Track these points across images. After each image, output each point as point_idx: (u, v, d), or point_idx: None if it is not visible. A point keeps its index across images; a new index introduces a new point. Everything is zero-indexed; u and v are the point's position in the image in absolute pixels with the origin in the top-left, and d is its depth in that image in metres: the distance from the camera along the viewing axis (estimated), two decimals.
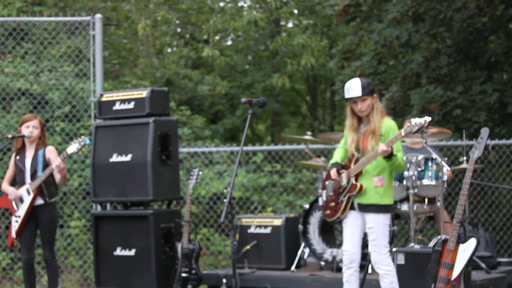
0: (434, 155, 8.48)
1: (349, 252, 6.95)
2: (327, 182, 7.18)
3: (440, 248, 6.76)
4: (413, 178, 8.51)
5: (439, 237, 8.11)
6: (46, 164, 8.32)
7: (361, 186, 6.86)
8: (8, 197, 8.44)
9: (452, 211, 9.25)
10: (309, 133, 9.76)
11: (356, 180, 6.89)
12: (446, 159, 8.66)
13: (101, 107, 9.54)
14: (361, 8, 14.02)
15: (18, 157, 8.49)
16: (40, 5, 15.08)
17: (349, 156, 7.01)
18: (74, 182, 11.43)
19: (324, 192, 7.21)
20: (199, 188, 12.19)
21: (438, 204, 8.68)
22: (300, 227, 9.26)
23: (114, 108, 9.43)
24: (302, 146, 11.29)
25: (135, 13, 16.96)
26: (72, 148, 8.24)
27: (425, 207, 8.69)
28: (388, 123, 6.94)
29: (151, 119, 9.07)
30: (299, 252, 9.30)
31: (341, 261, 8.63)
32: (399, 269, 7.44)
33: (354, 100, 6.89)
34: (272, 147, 12.22)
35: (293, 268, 9.20)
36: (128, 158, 9.18)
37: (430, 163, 8.55)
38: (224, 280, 8.86)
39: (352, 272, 6.96)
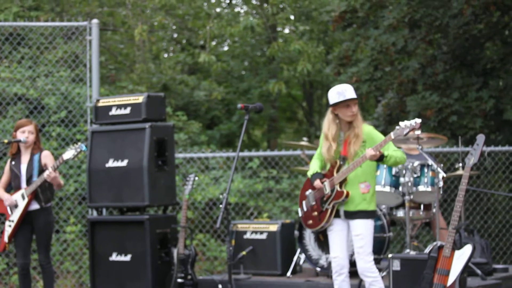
0: (430, 162, 8.49)
1: (338, 258, 6.95)
2: (307, 193, 7.16)
3: (435, 255, 6.76)
4: (409, 184, 8.51)
5: (434, 243, 8.12)
6: (42, 169, 8.31)
7: (347, 193, 6.85)
8: (3, 203, 8.43)
9: (447, 217, 9.26)
10: (305, 139, 9.79)
11: (341, 187, 6.88)
12: (441, 165, 8.66)
13: (98, 112, 9.54)
14: (358, 15, 14.05)
15: (13, 162, 8.49)
16: (37, 10, 15.08)
17: (331, 163, 6.97)
18: (70, 187, 11.43)
19: (304, 203, 7.20)
20: (195, 194, 12.19)
21: (434, 210, 8.68)
22: (296, 233, 9.25)
23: (111, 113, 9.43)
24: (298, 152, 11.29)
25: (131, 19, 16.95)
26: (68, 154, 8.24)
27: (421, 213, 8.69)
28: (367, 129, 6.94)
29: (147, 125, 9.08)
30: (295, 258, 9.29)
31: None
32: (395, 275, 7.45)
33: (347, 103, 6.86)
34: (268, 153, 12.24)
35: (288, 274, 9.19)
36: (124, 163, 9.18)
37: (426, 170, 8.55)
38: (220, 286, 8.85)
39: (343, 278, 6.97)
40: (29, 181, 8.34)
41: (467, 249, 6.68)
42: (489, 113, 12.46)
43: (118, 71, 18.11)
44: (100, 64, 11.03)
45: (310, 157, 11.26)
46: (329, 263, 8.84)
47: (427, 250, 8.06)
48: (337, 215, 6.93)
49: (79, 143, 8.32)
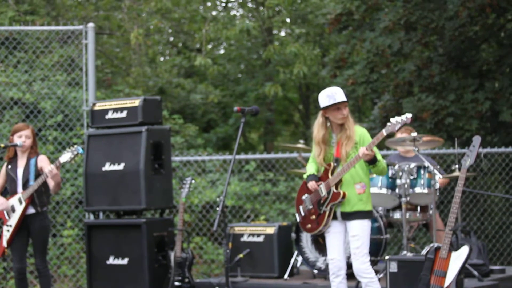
0: (427, 163, 8.50)
1: (336, 260, 6.94)
2: (303, 197, 7.15)
3: (432, 256, 6.77)
4: (406, 186, 8.52)
5: (431, 245, 8.12)
6: (38, 173, 8.30)
7: (344, 194, 6.85)
8: None
9: (444, 219, 9.26)
10: (301, 141, 9.79)
11: (337, 188, 6.89)
12: (439, 166, 8.68)
13: (94, 116, 9.54)
14: (353, 17, 14.08)
15: (10, 166, 8.47)
16: (33, 14, 15.08)
17: (325, 166, 6.98)
18: (67, 191, 11.42)
19: (301, 208, 7.19)
20: (192, 197, 12.19)
21: (431, 212, 8.69)
22: (293, 235, 9.25)
23: (107, 117, 9.43)
24: (294, 155, 11.30)
25: (127, 22, 16.96)
26: (65, 157, 8.23)
27: (418, 215, 8.70)
28: (360, 131, 6.95)
29: (144, 128, 9.08)
30: (292, 260, 9.30)
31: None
32: (392, 277, 7.46)
33: (338, 106, 6.86)
34: (265, 155, 12.23)
35: (286, 276, 9.19)
36: (120, 167, 9.18)
37: (422, 171, 8.57)
38: None
39: (341, 280, 6.96)
40: (25, 185, 8.33)
41: (464, 251, 6.69)
42: (485, 114, 12.49)
43: (114, 75, 18.13)
44: (96, 68, 11.02)
45: (307, 159, 11.29)
46: (327, 265, 8.85)
47: (424, 252, 8.07)
48: (334, 217, 6.93)
49: (75, 146, 8.31)
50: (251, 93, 19.46)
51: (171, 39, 21.20)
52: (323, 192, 6.92)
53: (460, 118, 12.39)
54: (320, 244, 9.10)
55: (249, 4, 20.42)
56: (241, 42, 19.83)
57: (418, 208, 8.72)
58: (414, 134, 8.60)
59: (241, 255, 9.26)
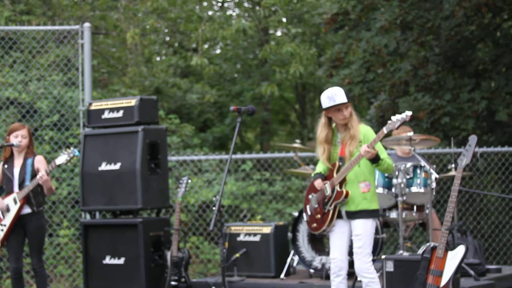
0: (423, 163, 8.51)
1: (337, 260, 6.94)
2: (310, 196, 7.15)
3: (429, 256, 6.77)
4: (402, 185, 8.52)
5: (428, 244, 8.13)
6: (35, 174, 8.30)
7: (347, 192, 6.84)
8: None
9: (440, 218, 9.26)
10: (298, 141, 9.79)
11: (341, 187, 6.88)
12: (434, 166, 8.68)
13: (90, 116, 9.53)
14: (350, 17, 14.07)
15: (6, 166, 8.47)
16: (29, 14, 15.07)
17: (331, 165, 6.99)
18: (63, 191, 11.42)
19: (308, 207, 7.19)
20: (188, 197, 12.19)
21: (427, 211, 8.70)
22: (289, 235, 9.26)
23: (103, 116, 9.43)
24: (291, 154, 11.30)
25: (123, 22, 16.95)
26: (61, 159, 8.24)
27: (414, 214, 8.70)
28: (364, 129, 6.94)
29: (140, 128, 9.07)
30: (289, 260, 9.30)
31: (330, 268, 8.67)
32: (388, 276, 7.46)
33: (338, 107, 6.87)
34: (261, 155, 12.23)
35: (282, 276, 9.20)
36: (117, 166, 9.17)
37: (418, 171, 8.57)
38: None
39: (341, 280, 6.96)
40: (21, 185, 8.33)
41: (460, 250, 6.69)
42: (481, 114, 12.50)
43: (111, 75, 18.11)
44: (92, 67, 11.03)
45: (303, 159, 11.32)
46: (323, 265, 8.86)
47: (420, 251, 8.08)
48: (340, 216, 6.93)
49: (72, 148, 8.32)
50: (248, 93, 19.46)
51: (167, 39, 21.19)
52: (328, 191, 6.92)
53: (456, 117, 12.40)
54: (316, 244, 9.11)
55: (245, 4, 20.42)
56: (237, 42, 19.82)
57: (415, 208, 8.72)
58: (411, 133, 8.61)
59: (237, 255, 9.26)
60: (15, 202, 8.26)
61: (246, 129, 22.12)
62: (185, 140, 15.22)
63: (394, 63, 13.66)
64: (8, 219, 8.31)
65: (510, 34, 13.42)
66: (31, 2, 15.78)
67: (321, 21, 16.08)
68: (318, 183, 7.00)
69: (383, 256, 7.72)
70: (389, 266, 7.58)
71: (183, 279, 9.02)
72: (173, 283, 8.99)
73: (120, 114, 9.31)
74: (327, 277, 8.59)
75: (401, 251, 8.40)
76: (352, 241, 6.93)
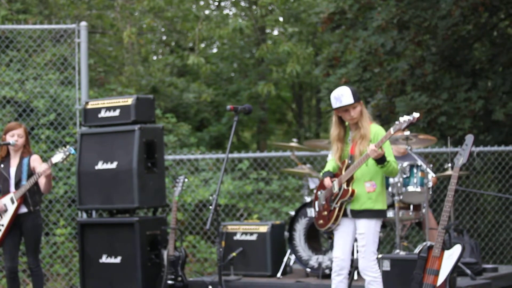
0: (419, 162, 8.51)
1: (339, 259, 6.93)
2: (318, 193, 7.16)
3: (425, 255, 6.77)
4: (398, 185, 8.53)
5: (424, 243, 8.13)
6: (31, 173, 8.29)
7: (353, 191, 6.83)
8: None
9: (437, 217, 9.27)
10: (295, 140, 9.77)
11: (348, 185, 6.88)
12: (431, 165, 8.68)
13: (87, 115, 9.53)
14: (346, 16, 14.07)
15: (2, 165, 8.46)
16: (25, 13, 15.05)
17: (341, 163, 7.00)
18: (60, 190, 11.41)
19: (316, 203, 7.19)
20: (185, 196, 12.19)
21: (423, 210, 8.70)
22: (286, 234, 9.26)
23: (100, 115, 9.42)
24: (288, 153, 11.30)
25: (120, 21, 16.95)
26: (57, 157, 8.22)
27: (411, 213, 8.70)
28: (375, 129, 6.94)
29: (137, 127, 9.07)
30: (285, 259, 9.29)
31: (327, 267, 8.67)
32: (385, 275, 7.45)
33: (345, 108, 6.87)
34: (258, 154, 12.23)
35: (279, 275, 9.19)
36: (113, 165, 9.16)
37: (415, 170, 8.57)
38: (210, 287, 8.85)
39: (341, 279, 6.94)
40: (18, 184, 8.31)
41: (457, 249, 6.69)
42: (478, 113, 12.50)
43: (107, 74, 18.11)
44: (89, 66, 11.01)
45: (300, 158, 11.32)
46: (319, 264, 8.86)
47: (417, 250, 8.08)
48: (345, 214, 6.93)
49: (68, 146, 8.30)
50: (244, 92, 19.46)
51: (164, 38, 21.19)
52: (336, 188, 6.92)
53: (453, 117, 12.40)
54: (313, 243, 9.12)
55: (242, 3, 20.43)
56: (234, 41, 19.83)
57: (411, 207, 8.72)
58: (407, 132, 8.61)
59: (234, 254, 9.26)
60: (12, 202, 8.25)
61: (243, 128, 22.12)
62: (182, 139, 15.22)
63: (391, 62, 13.67)
64: (6, 219, 8.29)
65: (506, 34, 13.44)
66: (27, 1, 15.77)
67: (317, 20, 16.07)
68: (326, 181, 7.01)
69: (379, 255, 7.72)
70: (386, 265, 7.59)
71: (179, 278, 9.01)
72: (169, 282, 8.98)
73: (116, 113, 9.30)
74: (324, 276, 8.63)
75: (397, 250, 8.41)
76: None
